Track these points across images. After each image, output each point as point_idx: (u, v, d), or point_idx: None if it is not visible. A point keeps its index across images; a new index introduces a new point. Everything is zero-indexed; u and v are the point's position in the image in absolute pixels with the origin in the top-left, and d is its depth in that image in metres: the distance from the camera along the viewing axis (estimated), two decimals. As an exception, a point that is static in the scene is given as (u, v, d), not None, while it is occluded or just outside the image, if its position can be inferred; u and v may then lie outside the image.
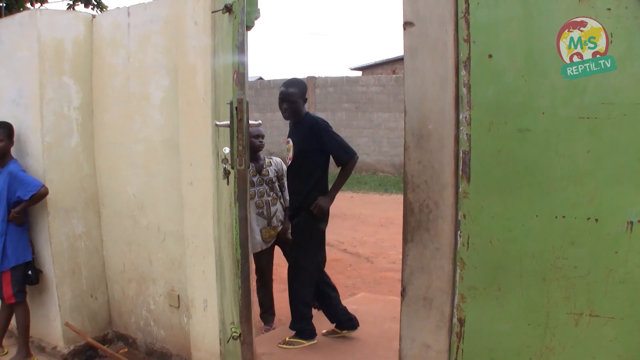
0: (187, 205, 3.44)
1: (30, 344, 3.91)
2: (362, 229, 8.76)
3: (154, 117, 3.70)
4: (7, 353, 3.90)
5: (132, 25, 3.77)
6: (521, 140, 2.09)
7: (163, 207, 3.73)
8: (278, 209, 4.25)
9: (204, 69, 3.23)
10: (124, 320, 4.14)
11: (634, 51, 1.87)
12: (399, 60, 20.55)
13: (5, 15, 7.30)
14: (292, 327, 3.92)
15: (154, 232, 3.80)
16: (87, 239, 4.07)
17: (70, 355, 3.92)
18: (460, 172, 2.22)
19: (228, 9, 2.87)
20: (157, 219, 3.78)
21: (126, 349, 4.11)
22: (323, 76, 16.19)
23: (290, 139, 3.91)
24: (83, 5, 9.44)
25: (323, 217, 3.80)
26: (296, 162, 3.85)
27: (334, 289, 3.98)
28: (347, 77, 16.46)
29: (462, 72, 2.18)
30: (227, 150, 2.84)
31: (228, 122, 2.80)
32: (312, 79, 16.01)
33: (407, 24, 2.30)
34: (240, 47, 2.78)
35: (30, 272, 3.80)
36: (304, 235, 3.84)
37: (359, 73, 24.00)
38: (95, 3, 9.62)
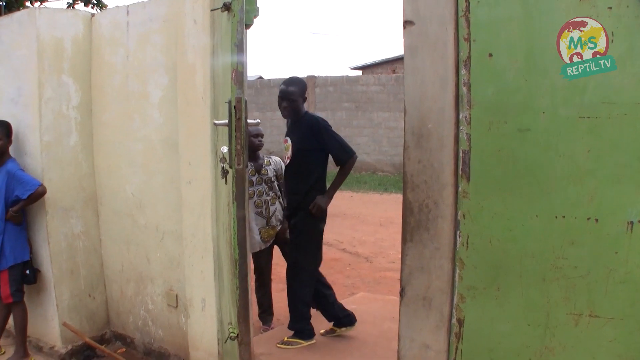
0: (186, 204, 3.43)
1: (28, 344, 3.89)
2: (361, 228, 8.75)
3: (153, 116, 3.69)
4: (4, 353, 3.89)
5: (131, 24, 3.76)
6: (521, 140, 2.08)
7: (162, 206, 3.72)
8: (277, 209, 4.24)
9: (203, 68, 3.21)
10: (122, 319, 4.13)
11: (634, 51, 1.87)
12: (399, 59, 20.56)
13: (5, 13, 7.29)
14: (290, 327, 3.91)
15: (152, 232, 3.79)
16: (85, 239, 4.06)
17: (67, 355, 3.91)
18: (460, 172, 2.21)
19: (227, 7, 2.86)
20: (156, 218, 3.77)
21: (124, 349, 4.09)
22: (323, 75, 16.20)
23: (288, 138, 3.90)
24: (83, 4, 9.45)
25: (322, 216, 3.80)
26: (295, 161, 3.83)
27: (328, 287, 3.98)
28: (347, 76, 16.47)
29: (462, 71, 2.17)
30: (225, 149, 2.83)
31: (226, 121, 2.79)
32: (312, 78, 16.01)
33: (407, 23, 2.29)
34: (239, 45, 2.77)
35: (28, 272, 3.79)
36: (303, 235, 3.83)
37: (359, 72, 24.01)
38: (95, 2, 9.63)
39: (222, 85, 3.13)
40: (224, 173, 2.89)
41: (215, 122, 2.96)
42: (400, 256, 2.42)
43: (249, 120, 2.79)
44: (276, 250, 4.42)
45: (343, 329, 3.97)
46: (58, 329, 3.89)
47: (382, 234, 8.27)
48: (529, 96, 2.05)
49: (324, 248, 3.98)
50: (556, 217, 2.04)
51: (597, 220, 1.97)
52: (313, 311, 3.99)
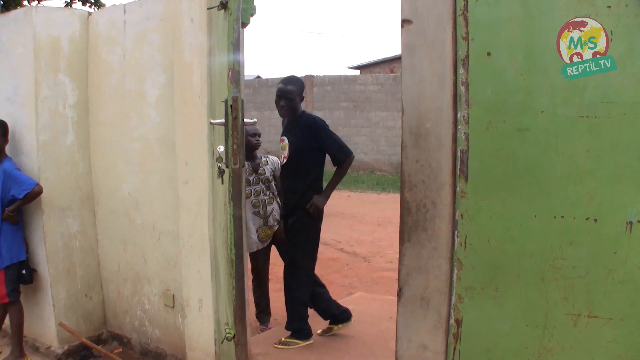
0: (183, 204, 3.42)
1: (24, 344, 3.88)
2: (359, 228, 8.74)
3: (150, 114, 3.68)
4: (0, 353, 3.87)
5: (128, 23, 3.74)
6: (520, 140, 2.07)
7: (158, 205, 3.70)
8: (274, 208, 4.22)
9: (200, 67, 3.20)
10: (118, 320, 4.11)
11: (634, 50, 1.86)
12: (397, 59, 20.54)
13: (2, 12, 7.26)
14: (288, 327, 3.90)
15: (149, 231, 3.78)
16: (82, 238, 4.04)
17: (64, 355, 3.89)
18: (458, 171, 2.20)
19: (223, 5, 2.84)
20: (153, 217, 3.75)
21: (121, 349, 4.08)
22: (321, 75, 16.18)
23: (285, 137, 3.89)
24: (80, 2, 9.43)
25: (319, 215, 3.79)
26: (292, 160, 3.82)
27: (322, 285, 3.99)
28: (345, 75, 16.45)
29: (461, 70, 2.16)
30: (221, 148, 2.81)
31: (223, 120, 2.78)
32: (309, 77, 16.00)
33: (405, 22, 2.28)
34: (236, 44, 2.75)
35: (24, 271, 3.77)
36: (301, 234, 3.82)
37: (357, 72, 24.01)
38: (92, 0, 9.60)
39: (219, 84, 3.12)
40: (221, 173, 2.87)
41: (212, 121, 2.94)
42: (398, 256, 2.41)
43: (245, 120, 2.77)
44: (273, 250, 4.41)
45: (340, 325, 3.96)
46: (54, 329, 3.87)
47: (380, 233, 8.26)
48: (528, 96, 2.04)
49: (322, 248, 3.98)
50: (555, 217, 2.02)
51: (596, 220, 1.96)
52: (310, 311, 3.98)
